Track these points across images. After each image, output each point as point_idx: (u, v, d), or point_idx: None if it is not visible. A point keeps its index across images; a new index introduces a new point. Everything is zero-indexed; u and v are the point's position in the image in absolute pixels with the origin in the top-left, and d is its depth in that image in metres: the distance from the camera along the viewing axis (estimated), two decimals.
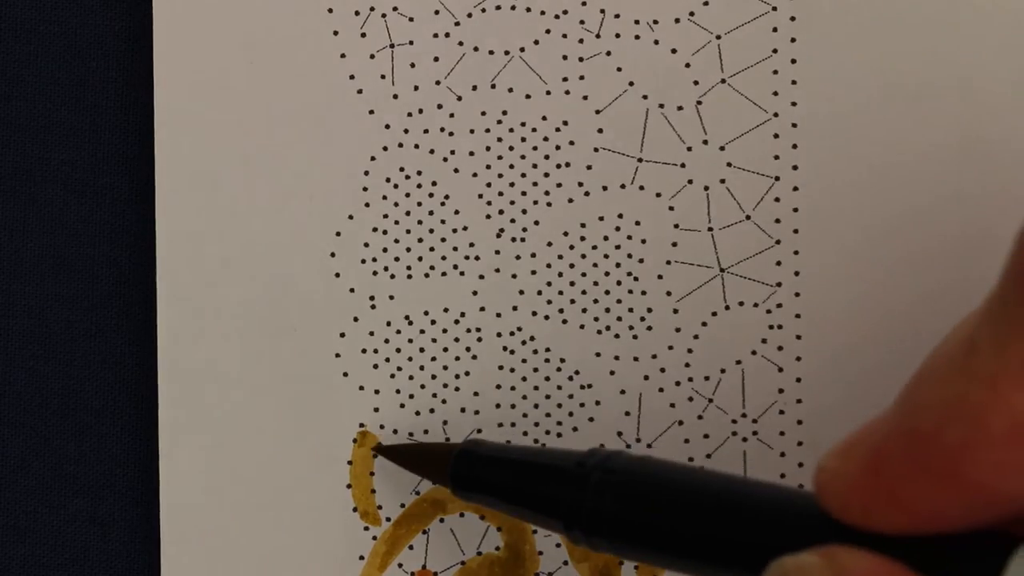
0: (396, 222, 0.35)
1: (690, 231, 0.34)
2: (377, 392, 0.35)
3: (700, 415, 0.34)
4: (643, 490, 0.26)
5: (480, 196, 0.35)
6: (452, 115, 0.35)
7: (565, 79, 0.35)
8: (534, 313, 0.35)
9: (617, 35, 0.34)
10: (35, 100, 0.36)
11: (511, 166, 0.35)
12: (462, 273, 0.35)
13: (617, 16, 0.34)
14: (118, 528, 0.36)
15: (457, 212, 0.35)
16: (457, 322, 0.35)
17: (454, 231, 0.35)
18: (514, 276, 0.35)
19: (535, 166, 0.35)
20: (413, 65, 0.35)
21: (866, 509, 0.23)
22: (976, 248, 0.34)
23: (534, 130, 0.35)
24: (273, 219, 0.35)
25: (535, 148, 0.35)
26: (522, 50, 0.35)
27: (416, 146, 0.35)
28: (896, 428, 0.23)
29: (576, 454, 0.28)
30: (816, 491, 0.24)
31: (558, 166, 0.35)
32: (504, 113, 0.35)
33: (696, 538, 0.25)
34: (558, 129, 0.35)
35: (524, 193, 0.35)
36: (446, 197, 0.35)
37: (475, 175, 0.35)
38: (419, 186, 0.35)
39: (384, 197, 0.35)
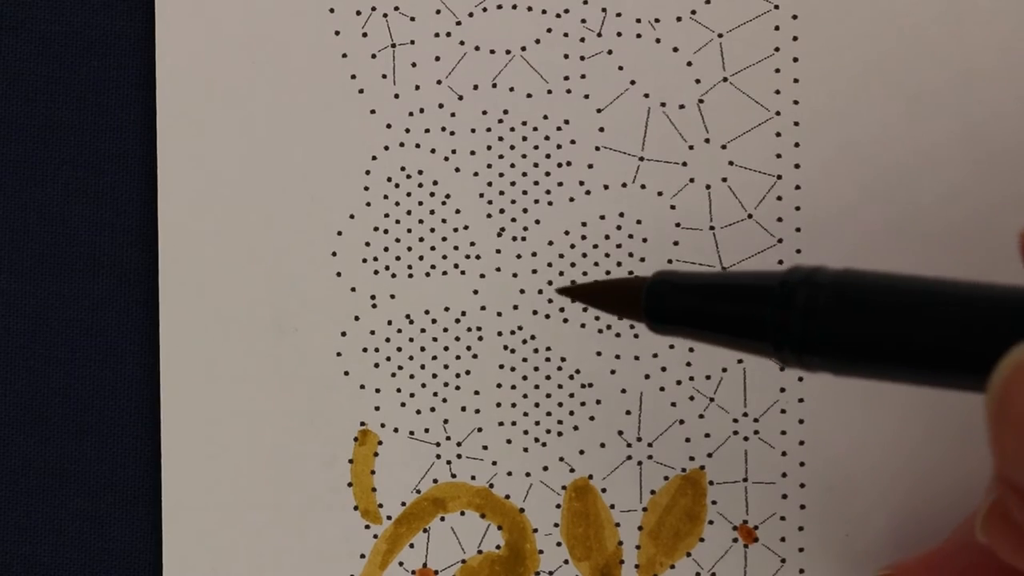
0: (397, 221, 0.35)
1: (692, 230, 0.34)
2: (378, 391, 0.35)
3: (701, 414, 0.34)
4: (851, 303, 0.24)
5: (481, 195, 0.35)
6: (453, 114, 0.35)
7: (566, 78, 0.35)
8: (535, 312, 0.35)
9: (618, 34, 0.34)
10: (36, 100, 0.36)
11: (512, 165, 0.35)
12: (463, 272, 0.35)
13: (618, 15, 0.34)
14: (118, 528, 0.36)
15: (458, 211, 0.35)
16: (458, 321, 0.35)
17: (455, 230, 0.35)
18: (515, 275, 0.35)
19: (536, 165, 0.35)
20: (414, 64, 0.35)
21: None
22: (976, 248, 0.34)
23: (535, 129, 0.35)
24: (274, 218, 0.35)
25: (536, 147, 0.35)
26: (523, 49, 0.35)
27: (417, 145, 0.35)
28: None
29: (776, 273, 0.26)
30: None
31: (559, 165, 0.35)
32: (505, 112, 0.35)
33: (912, 345, 0.24)
34: (559, 128, 0.35)
35: (525, 192, 0.35)
36: (447, 196, 0.35)
37: (476, 174, 0.35)
38: (420, 185, 0.35)
39: (385, 196, 0.35)
